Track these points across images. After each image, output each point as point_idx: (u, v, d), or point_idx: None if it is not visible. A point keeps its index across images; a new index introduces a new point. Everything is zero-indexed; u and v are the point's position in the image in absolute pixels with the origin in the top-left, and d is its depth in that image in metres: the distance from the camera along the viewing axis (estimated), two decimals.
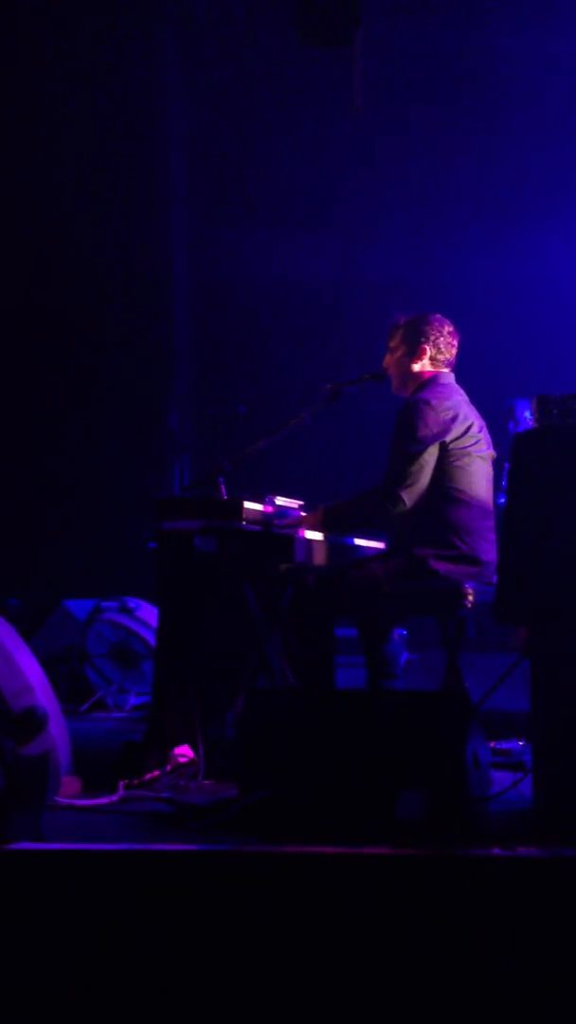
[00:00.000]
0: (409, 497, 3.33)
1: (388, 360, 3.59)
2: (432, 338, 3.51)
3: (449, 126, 7.45)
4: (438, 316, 3.56)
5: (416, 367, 3.53)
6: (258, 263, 7.81)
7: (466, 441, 3.41)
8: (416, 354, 3.52)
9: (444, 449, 3.37)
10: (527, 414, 3.11)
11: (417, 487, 3.33)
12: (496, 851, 2.21)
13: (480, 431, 3.49)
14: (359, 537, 3.78)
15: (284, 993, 2.07)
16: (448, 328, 3.54)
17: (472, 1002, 2.06)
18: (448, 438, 3.37)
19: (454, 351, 3.56)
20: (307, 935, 2.11)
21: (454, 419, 3.39)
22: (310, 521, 3.44)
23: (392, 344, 3.58)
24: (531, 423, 2.83)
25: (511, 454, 2.80)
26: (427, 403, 3.39)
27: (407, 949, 2.09)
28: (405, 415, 3.40)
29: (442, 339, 3.51)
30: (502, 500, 4.02)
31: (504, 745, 3.49)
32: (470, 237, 7.77)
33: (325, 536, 3.49)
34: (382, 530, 3.66)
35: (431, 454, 3.35)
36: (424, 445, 3.34)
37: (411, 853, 2.19)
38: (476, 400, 3.58)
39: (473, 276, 7.69)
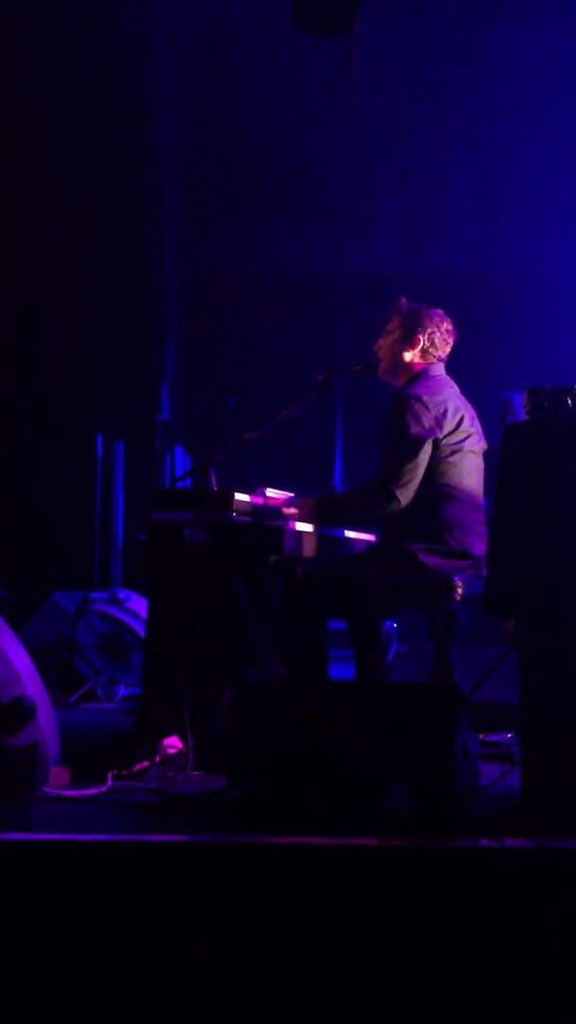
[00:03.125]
0: (404, 495, 3.32)
1: (381, 343, 3.58)
2: (428, 331, 3.50)
3: (443, 118, 7.44)
4: (439, 311, 3.55)
5: (407, 356, 3.52)
6: (250, 254, 7.79)
7: (458, 436, 3.40)
8: (409, 343, 3.51)
9: (436, 445, 3.36)
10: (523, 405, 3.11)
11: (412, 485, 3.33)
12: (484, 842, 2.22)
13: (472, 424, 3.49)
14: (349, 530, 3.78)
15: (272, 982, 2.08)
16: (446, 325, 3.53)
17: (461, 992, 2.07)
18: (441, 434, 3.36)
19: (448, 348, 3.55)
20: (295, 925, 2.11)
21: (446, 413, 3.39)
22: (302, 509, 3.43)
23: (389, 327, 3.57)
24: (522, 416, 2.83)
25: (502, 446, 2.80)
26: (419, 399, 3.39)
27: (395, 940, 2.10)
28: (397, 411, 3.39)
29: (438, 334, 3.51)
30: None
31: (493, 737, 3.50)
32: (462, 230, 7.77)
33: (315, 528, 3.49)
34: (373, 525, 3.66)
35: (425, 451, 3.34)
36: (418, 443, 3.33)
37: (399, 844, 2.20)
38: (468, 394, 3.58)
39: (465, 269, 7.69)
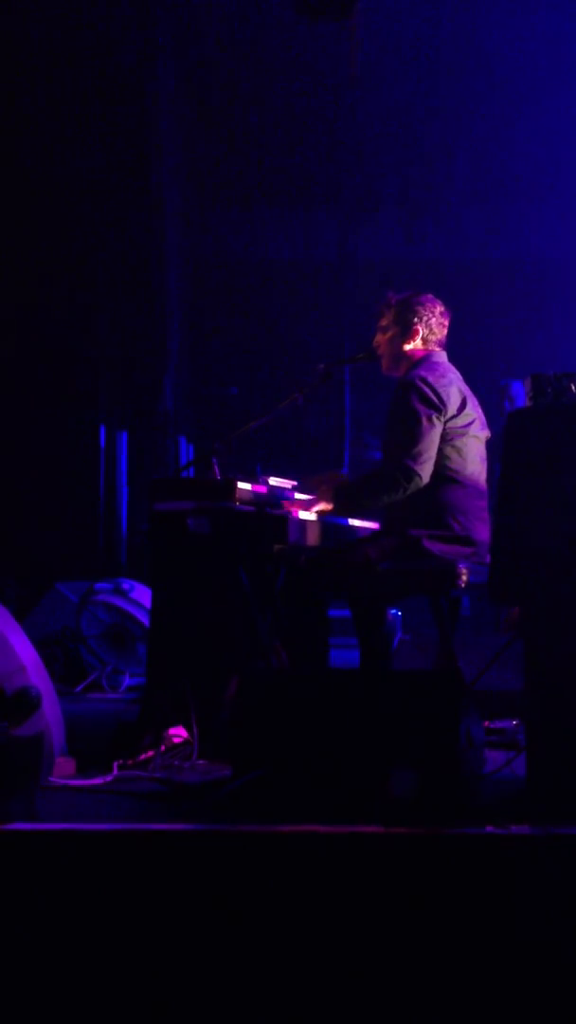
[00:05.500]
0: (424, 472, 3.32)
1: (379, 339, 3.57)
2: (425, 318, 3.49)
3: (445, 105, 7.41)
4: (429, 296, 3.54)
5: (408, 347, 3.52)
6: (253, 242, 7.77)
7: (462, 420, 3.40)
8: (409, 334, 3.50)
9: (442, 426, 3.36)
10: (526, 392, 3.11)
11: (430, 462, 3.33)
12: (489, 829, 2.22)
13: (474, 410, 3.49)
14: (360, 518, 3.77)
15: (277, 970, 2.08)
16: (439, 308, 3.53)
17: (466, 979, 2.07)
18: (446, 414, 3.36)
19: (445, 331, 3.55)
20: (300, 913, 2.12)
21: (450, 395, 3.39)
22: (322, 496, 3.43)
23: (383, 324, 3.56)
24: (525, 403, 2.82)
25: (505, 433, 2.79)
26: (424, 380, 3.39)
27: (400, 927, 2.10)
28: (403, 393, 3.38)
29: (434, 319, 3.50)
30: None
31: (498, 724, 3.50)
32: (466, 216, 7.74)
33: (319, 516, 3.49)
34: (388, 509, 3.64)
35: (436, 429, 3.34)
36: (429, 419, 3.33)
37: (404, 832, 2.20)
38: (470, 380, 3.58)
39: (468, 256, 7.67)
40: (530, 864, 2.13)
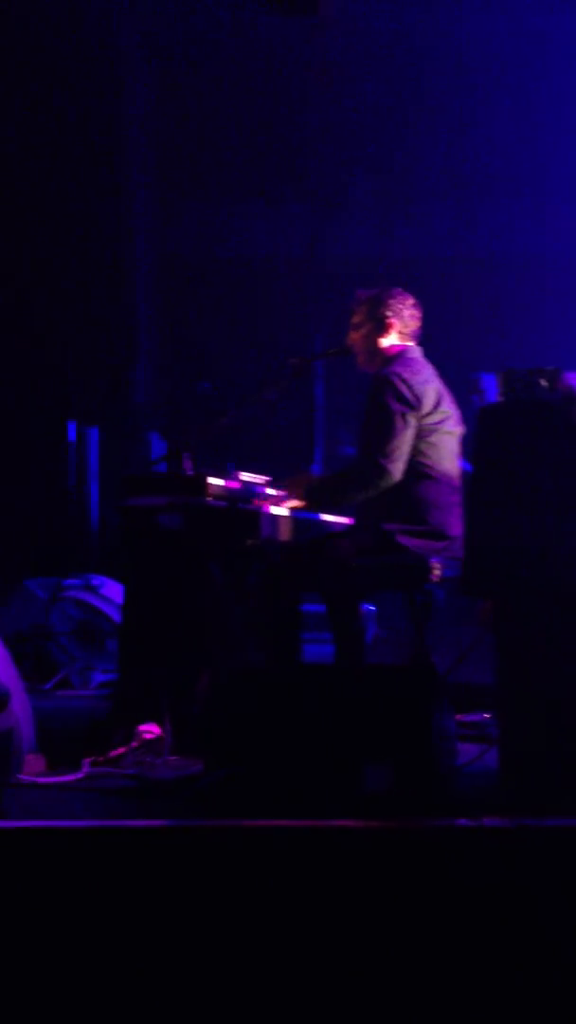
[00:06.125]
0: (396, 469, 3.33)
1: (354, 337, 3.59)
2: (397, 311, 3.52)
3: (416, 99, 7.41)
4: (399, 290, 3.57)
5: (384, 342, 3.53)
6: (223, 236, 7.74)
7: (437, 416, 3.42)
8: (383, 329, 3.52)
9: (416, 424, 3.38)
10: (497, 387, 3.12)
11: (402, 460, 3.35)
12: (462, 821, 2.23)
13: (449, 406, 3.51)
14: (333, 513, 3.77)
15: (250, 966, 2.08)
16: (410, 301, 3.56)
17: (441, 971, 2.08)
18: (421, 411, 3.38)
19: (418, 324, 3.58)
20: (274, 908, 2.11)
21: (425, 392, 3.40)
22: (293, 493, 3.43)
23: (356, 321, 3.57)
24: (495, 396, 2.83)
25: (476, 428, 2.81)
26: (399, 376, 3.40)
27: (375, 920, 2.10)
28: (378, 389, 3.40)
29: (406, 311, 3.54)
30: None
31: (470, 718, 3.51)
32: (436, 212, 7.76)
33: (291, 511, 3.49)
34: (362, 504, 3.64)
35: (410, 426, 3.36)
36: (403, 416, 3.34)
37: (378, 825, 2.20)
38: (444, 376, 3.59)
39: (440, 251, 7.69)
40: (503, 856, 2.14)
